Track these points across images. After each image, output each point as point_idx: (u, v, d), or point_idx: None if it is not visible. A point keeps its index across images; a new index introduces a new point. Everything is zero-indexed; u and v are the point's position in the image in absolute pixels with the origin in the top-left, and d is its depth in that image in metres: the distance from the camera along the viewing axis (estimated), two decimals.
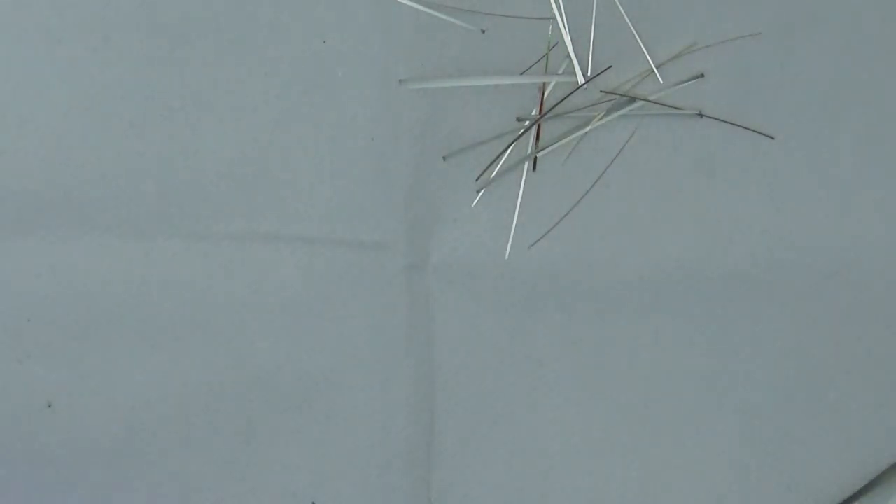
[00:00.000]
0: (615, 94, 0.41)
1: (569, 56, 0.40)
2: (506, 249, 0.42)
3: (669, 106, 0.41)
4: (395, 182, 0.41)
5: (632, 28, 0.40)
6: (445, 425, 0.42)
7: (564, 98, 0.40)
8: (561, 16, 0.40)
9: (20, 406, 0.41)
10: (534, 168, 0.41)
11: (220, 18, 0.38)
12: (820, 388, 0.44)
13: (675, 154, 0.42)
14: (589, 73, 0.40)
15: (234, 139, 0.39)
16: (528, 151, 0.41)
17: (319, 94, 0.39)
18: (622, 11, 0.40)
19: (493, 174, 0.41)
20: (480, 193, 0.41)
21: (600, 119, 0.41)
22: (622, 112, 0.41)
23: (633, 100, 0.41)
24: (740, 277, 0.43)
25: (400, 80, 0.39)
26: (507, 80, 0.40)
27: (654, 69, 0.41)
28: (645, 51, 0.40)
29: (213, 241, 0.40)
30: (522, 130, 0.41)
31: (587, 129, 0.41)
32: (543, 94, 0.41)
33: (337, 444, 0.41)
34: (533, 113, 0.41)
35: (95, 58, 0.38)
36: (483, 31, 0.40)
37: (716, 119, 0.41)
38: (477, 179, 0.41)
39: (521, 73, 0.40)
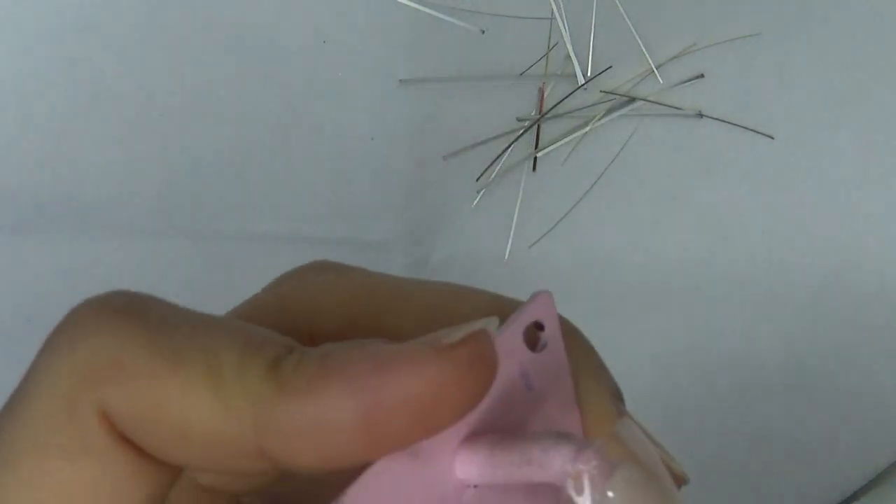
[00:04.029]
0: (615, 94, 0.41)
1: (569, 56, 0.40)
2: (506, 249, 0.42)
3: (669, 106, 0.41)
4: (395, 182, 0.41)
5: (632, 28, 0.40)
6: None
7: (564, 98, 0.41)
8: (561, 16, 0.40)
9: None
10: (534, 168, 0.41)
11: (220, 18, 0.38)
12: (820, 388, 0.44)
13: (675, 154, 0.42)
14: (589, 73, 0.40)
15: (234, 139, 0.39)
16: (528, 151, 0.41)
17: (319, 94, 0.39)
18: (622, 11, 0.40)
19: (493, 174, 0.41)
20: (480, 193, 0.41)
21: (600, 119, 0.41)
22: (622, 112, 0.41)
23: (633, 100, 0.41)
24: (740, 277, 0.43)
25: (400, 80, 0.39)
26: (507, 80, 0.40)
27: (654, 69, 0.41)
28: (645, 51, 0.40)
29: (213, 241, 0.40)
30: (522, 130, 0.41)
31: (587, 129, 0.41)
32: (543, 94, 0.41)
33: None
34: (533, 113, 0.41)
35: (95, 58, 0.38)
36: (483, 32, 0.40)
37: (716, 119, 0.41)
38: (477, 179, 0.41)
39: (521, 73, 0.40)
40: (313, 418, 0.16)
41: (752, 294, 0.43)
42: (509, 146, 0.41)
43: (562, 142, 0.41)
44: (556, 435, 0.18)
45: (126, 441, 0.18)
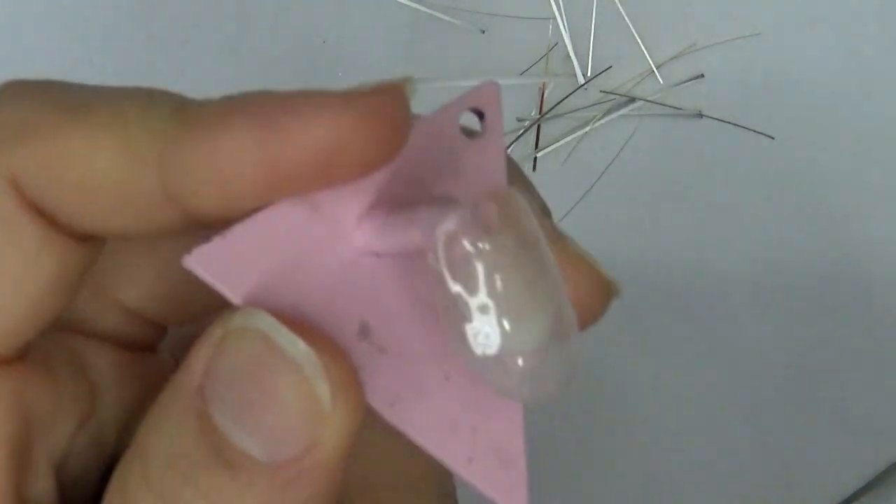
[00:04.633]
0: (615, 94, 0.41)
1: (569, 56, 0.40)
2: None
3: (669, 106, 0.41)
4: None
5: (632, 28, 0.40)
6: None
7: (564, 98, 0.40)
8: (561, 16, 0.40)
9: None
10: (534, 168, 0.41)
11: (220, 18, 0.38)
12: (820, 388, 0.44)
13: (675, 154, 0.42)
14: (589, 73, 0.40)
15: None
16: (528, 151, 0.41)
17: None
18: (622, 11, 0.40)
19: None
20: None
21: (600, 119, 0.41)
22: (622, 112, 0.41)
23: (633, 100, 0.41)
24: (740, 277, 0.43)
25: None
26: (507, 80, 0.40)
27: (654, 69, 0.41)
28: (645, 51, 0.40)
29: None
30: (522, 130, 0.41)
31: (587, 129, 0.41)
32: (543, 94, 0.41)
33: None
34: (533, 113, 0.41)
35: (95, 58, 0.38)
36: (483, 32, 0.40)
37: (716, 119, 0.41)
38: None
39: (521, 73, 0.40)
40: (215, 153, 0.16)
41: (752, 294, 0.43)
42: (509, 146, 0.41)
43: (562, 142, 0.41)
44: (446, 199, 0.17)
45: (36, 210, 0.18)
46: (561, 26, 0.40)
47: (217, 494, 0.16)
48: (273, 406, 0.16)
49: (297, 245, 0.17)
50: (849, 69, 0.41)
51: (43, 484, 0.20)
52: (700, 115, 0.41)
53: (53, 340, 0.21)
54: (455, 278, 0.16)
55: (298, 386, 0.16)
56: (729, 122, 0.41)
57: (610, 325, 0.43)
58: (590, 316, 0.20)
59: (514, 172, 0.21)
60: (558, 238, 0.20)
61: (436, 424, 0.18)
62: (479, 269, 0.16)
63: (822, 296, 0.43)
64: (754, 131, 0.41)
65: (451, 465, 0.18)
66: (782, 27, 0.41)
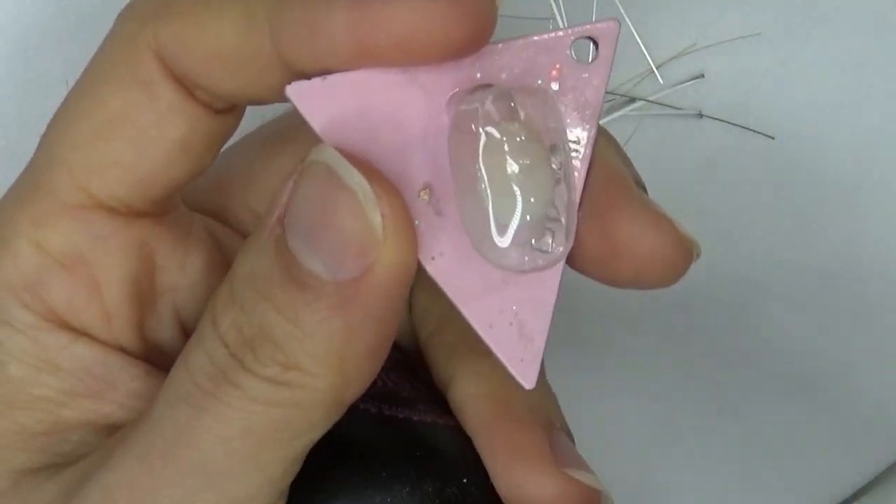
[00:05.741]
0: (615, 94, 0.41)
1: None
2: None
3: (669, 106, 0.41)
4: None
5: (632, 28, 0.40)
6: None
7: None
8: (561, 16, 0.40)
9: None
10: None
11: None
12: (820, 388, 0.44)
13: (675, 154, 0.42)
14: None
15: (233, 139, 0.39)
16: None
17: None
18: (622, 11, 0.40)
19: None
20: None
21: (600, 119, 0.41)
22: (622, 112, 0.41)
23: (633, 100, 0.41)
24: (740, 278, 0.43)
25: None
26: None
27: (654, 69, 0.41)
28: (645, 51, 0.40)
29: None
30: None
31: None
32: None
33: None
34: None
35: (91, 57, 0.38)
36: None
37: (716, 119, 0.41)
38: None
39: None
40: (313, 26, 0.19)
41: (752, 294, 0.43)
42: None
43: None
44: (499, 87, 0.20)
45: (173, 77, 0.21)
46: (561, 26, 0.40)
47: (288, 308, 0.18)
48: (334, 230, 0.18)
49: (387, 103, 0.20)
50: (849, 69, 0.41)
51: (167, 332, 0.23)
52: (700, 115, 0.41)
53: (202, 222, 0.24)
54: (466, 150, 0.19)
55: (354, 212, 0.18)
56: (729, 122, 0.41)
57: (611, 325, 0.42)
58: (671, 271, 0.24)
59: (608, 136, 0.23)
60: (641, 194, 0.23)
61: (468, 285, 0.20)
62: (485, 146, 0.19)
63: (821, 295, 0.43)
64: (754, 131, 0.41)
65: (474, 325, 0.20)
66: (782, 27, 0.41)
